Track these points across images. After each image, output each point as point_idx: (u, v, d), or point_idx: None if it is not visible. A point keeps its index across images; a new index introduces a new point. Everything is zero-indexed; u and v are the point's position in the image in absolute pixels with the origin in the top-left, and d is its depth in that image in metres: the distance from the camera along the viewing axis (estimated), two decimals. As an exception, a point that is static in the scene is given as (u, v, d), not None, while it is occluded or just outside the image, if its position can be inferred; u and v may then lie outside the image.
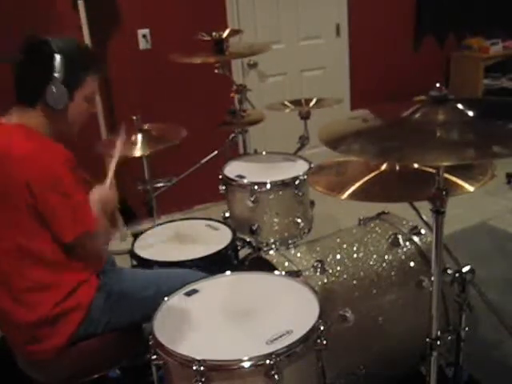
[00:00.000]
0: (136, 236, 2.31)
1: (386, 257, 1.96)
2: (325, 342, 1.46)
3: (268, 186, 2.35)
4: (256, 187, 2.35)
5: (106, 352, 1.75)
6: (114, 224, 1.72)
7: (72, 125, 1.70)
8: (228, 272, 1.80)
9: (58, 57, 1.58)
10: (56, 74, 1.58)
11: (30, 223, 1.58)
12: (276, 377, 1.35)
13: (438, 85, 1.39)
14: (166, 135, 2.55)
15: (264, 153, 2.77)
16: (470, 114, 1.37)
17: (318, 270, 1.86)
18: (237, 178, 2.43)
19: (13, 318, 1.65)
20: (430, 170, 1.48)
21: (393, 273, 1.94)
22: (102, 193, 1.67)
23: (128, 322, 1.76)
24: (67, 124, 1.69)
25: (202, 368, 1.36)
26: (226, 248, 2.13)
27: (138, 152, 2.41)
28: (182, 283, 1.72)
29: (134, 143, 2.46)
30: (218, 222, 2.38)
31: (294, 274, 1.83)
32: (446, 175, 1.43)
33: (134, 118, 2.48)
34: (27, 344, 1.66)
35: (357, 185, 1.60)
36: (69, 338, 1.66)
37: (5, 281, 1.64)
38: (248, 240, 2.44)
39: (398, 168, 1.66)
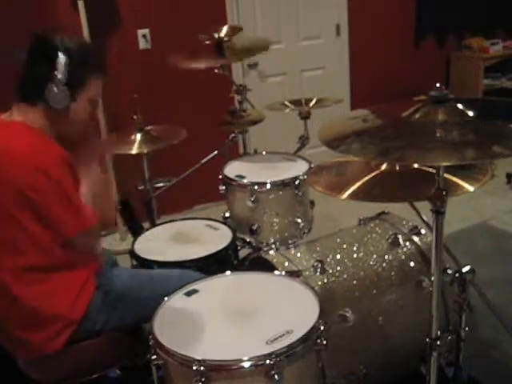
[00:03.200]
0: (136, 236, 2.31)
1: (386, 257, 1.96)
2: (325, 342, 1.46)
3: (268, 186, 2.35)
4: (256, 187, 2.35)
5: (105, 352, 1.75)
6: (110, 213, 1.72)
7: (72, 126, 1.68)
8: (228, 272, 1.80)
9: (61, 55, 1.55)
10: (58, 74, 1.55)
11: (30, 225, 1.57)
12: (276, 377, 1.35)
13: (438, 85, 1.39)
14: (166, 135, 2.56)
15: (264, 153, 2.77)
16: (470, 113, 1.37)
17: (318, 269, 1.86)
18: (237, 178, 2.43)
19: (14, 321, 1.65)
20: (430, 170, 1.48)
21: (393, 273, 1.94)
22: (93, 176, 1.70)
23: (126, 322, 1.76)
24: (68, 125, 1.67)
25: (201, 368, 1.36)
26: (226, 248, 2.13)
27: (136, 150, 2.42)
28: (180, 284, 1.72)
29: (134, 142, 2.47)
30: (218, 222, 2.37)
31: (293, 273, 1.83)
32: (446, 175, 1.43)
33: (135, 117, 2.49)
34: (31, 342, 1.65)
35: (357, 185, 1.61)
36: (68, 337, 1.66)
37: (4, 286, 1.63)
38: (248, 240, 2.44)
39: (398, 168, 1.67)
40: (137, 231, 2.43)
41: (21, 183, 1.53)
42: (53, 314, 1.63)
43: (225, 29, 2.66)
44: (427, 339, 1.51)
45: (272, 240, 2.41)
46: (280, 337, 1.43)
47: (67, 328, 1.65)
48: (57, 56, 1.55)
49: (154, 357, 1.46)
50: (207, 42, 2.63)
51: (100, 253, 1.82)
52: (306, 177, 2.38)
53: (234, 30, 2.77)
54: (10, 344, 1.72)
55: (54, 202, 1.56)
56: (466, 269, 1.60)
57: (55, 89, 1.56)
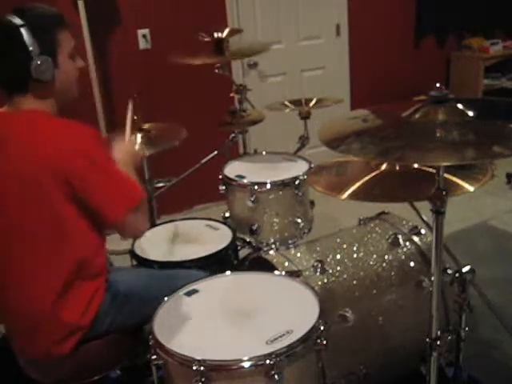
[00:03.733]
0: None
1: (386, 257, 1.96)
2: (325, 342, 1.46)
3: (268, 186, 2.35)
4: (256, 187, 2.35)
5: (106, 353, 1.75)
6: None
7: (69, 90, 1.65)
8: (228, 272, 1.80)
9: (23, 30, 1.50)
10: (31, 47, 1.51)
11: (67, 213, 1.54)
12: (276, 377, 1.35)
13: (438, 85, 1.39)
14: (166, 135, 2.55)
15: (264, 153, 2.77)
16: (470, 113, 1.37)
17: (318, 269, 1.86)
18: (237, 178, 2.43)
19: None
20: (430, 170, 1.48)
21: (393, 273, 1.94)
22: (123, 149, 1.69)
23: (131, 323, 1.76)
24: (65, 89, 1.63)
25: (202, 368, 1.36)
26: (226, 248, 2.13)
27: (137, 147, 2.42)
28: (184, 283, 1.72)
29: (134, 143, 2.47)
30: (218, 222, 2.37)
31: (293, 273, 1.83)
32: (446, 175, 1.43)
33: (135, 117, 2.48)
34: (39, 345, 1.64)
35: (357, 185, 1.61)
36: (76, 342, 1.64)
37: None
38: (248, 240, 2.44)
39: (398, 168, 1.67)
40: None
41: (61, 170, 1.49)
42: (64, 321, 1.61)
43: (226, 31, 2.66)
44: (427, 339, 1.52)
45: (272, 240, 2.41)
46: (280, 337, 1.43)
47: (76, 333, 1.64)
48: (20, 34, 1.50)
49: (154, 357, 1.46)
50: (206, 40, 2.62)
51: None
52: (305, 177, 2.38)
53: (235, 32, 2.77)
54: (17, 341, 1.71)
55: (98, 185, 1.53)
56: (465, 269, 1.60)
57: (38, 62, 1.52)
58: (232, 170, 2.54)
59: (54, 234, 1.56)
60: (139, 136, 2.47)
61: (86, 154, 1.52)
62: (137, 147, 1.76)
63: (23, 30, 1.50)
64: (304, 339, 1.42)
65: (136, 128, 2.46)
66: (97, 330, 1.68)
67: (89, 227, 1.59)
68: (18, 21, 1.51)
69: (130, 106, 1.96)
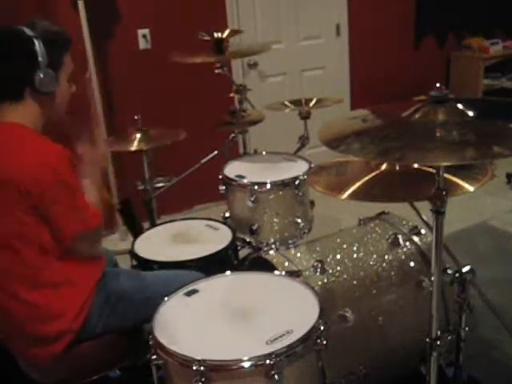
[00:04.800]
0: (136, 236, 2.31)
1: (386, 257, 1.96)
2: (325, 342, 1.46)
3: (268, 186, 2.35)
4: (256, 187, 2.35)
5: (106, 353, 1.75)
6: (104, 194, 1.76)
7: (59, 108, 1.70)
8: (228, 272, 1.80)
9: (37, 42, 1.56)
10: (40, 59, 1.56)
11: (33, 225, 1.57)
12: (276, 377, 1.35)
13: (438, 85, 1.39)
14: (166, 135, 2.56)
15: (264, 153, 2.77)
16: (470, 113, 1.37)
17: (318, 269, 1.86)
18: (237, 178, 2.43)
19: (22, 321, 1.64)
20: (430, 169, 1.48)
21: (393, 273, 1.94)
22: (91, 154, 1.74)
23: (126, 323, 1.76)
24: (56, 109, 1.68)
25: (201, 368, 1.36)
26: (226, 248, 2.13)
27: (135, 147, 2.42)
28: (181, 285, 1.72)
29: (133, 141, 2.48)
30: (218, 222, 2.38)
31: (293, 273, 1.83)
32: (446, 175, 1.43)
33: (136, 117, 2.49)
34: (30, 347, 1.65)
35: (357, 185, 1.60)
36: (68, 343, 1.65)
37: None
38: (248, 240, 2.44)
39: (398, 168, 1.66)
40: (137, 231, 2.44)
41: (25, 180, 1.52)
42: (55, 329, 1.63)
43: (226, 32, 2.66)
44: (427, 339, 1.51)
45: (272, 240, 2.41)
46: (280, 337, 1.43)
47: (67, 336, 1.64)
48: (33, 44, 1.55)
49: (154, 357, 1.46)
50: (206, 39, 2.62)
51: (104, 255, 1.82)
52: (306, 177, 2.38)
53: (235, 33, 2.77)
54: (13, 344, 1.72)
55: (58, 200, 1.55)
56: (465, 269, 1.60)
57: (42, 75, 1.56)
58: (232, 170, 2.54)
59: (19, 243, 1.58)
60: (139, 135, 2.48)
61: (50, 169, 1.54)
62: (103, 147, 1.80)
63: (36, 41, 1.56)
64: (304, 339, 1.42)
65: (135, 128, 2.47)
66: (91, 331, 1.69)
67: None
68: (30, 32, 1.57)
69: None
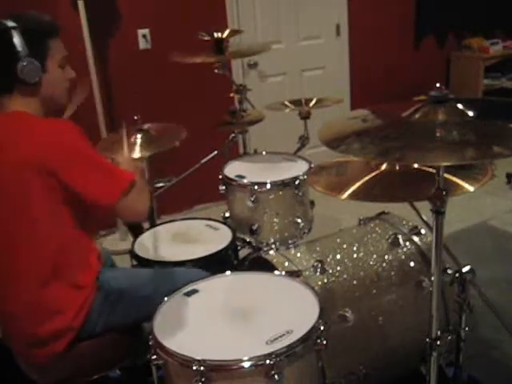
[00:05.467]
0: (136, 236, 2.31)
1: (386, 257, 1.96)
2: (325, 342, 1.46)
3: (268, 186, 2.35)
4: (256, 187, 2.35)
5: (106, 352, 1.75)
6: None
7: (54, 96, 1.67)
8: (228, 272, 1.80)
9: (14, 32, 1.55)
10: (19, 49, 1.55)
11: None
12: (276, 377, 1.35)
13: (438, 85, 1.39)
14: (166, 135, 2.55)
15: (264, 153, 2.77)
16: (470, 113, 1.37)
17: (318, 269, 1.86)
18: (237, 178, 2.43)
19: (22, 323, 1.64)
20: (430, 169, 1.48)
21: (393, 273, 1.94)
22: (124, 159, 1.73)
23: (126, 321, 1.76)
24: (50, 97, 1.66)
25: (202, 368, 1.36)
26: (225, 248, 2.13)
27: (138, 154, 2.41)
28: (181, 282, 1.72)
29: (134, 144, 2.47)
30: (218, 222, 2.38)
31: (293, 273, 1.83)
32: (446, 175, 1.43)
33: (136, 117, 2.48)
34: (31, 348, 1.65)
35: (357, 185, 1.61)
36: (69, 341, 1.65)
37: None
38: (248, 240, 2.44)
39: (398, 168, 1.66)
40: (137, 231, 2.43)
41: (45, 164, 1.51)
42: (56, 327, 1.63)
43: (226, 32, 2.66)
44: (427, 339, 1.51)
45: (272, 240, 2.41)
46: (280, 337, 1.43)
47: (68, 334, 1.64)
48: (11, 35, 1.55)
49: (154, 357, 1.46)
50: (206, 39, 2.62)
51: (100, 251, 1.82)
52: (306, 177, 2.38)
53: (235, 33, 2.77)
54: (13, 344, 1.72)
55: (85, 173, 1.55)
56: (465, 269, 1.60)
57: (24, 64, 1.55)
58: (232, 170, 2.54)
59: (30, 234, 1.58)
60: (139, 137, 2.48)
61: (70, 145, 1.54)
62: (136, 162, 1.80)
63: (14, 32, 1.55)
64: (304, 339, 1.42)
65: (136, 128, 2.46)
66: (91, 330, 1.69)
67: (67, 224, 1.61)
68: (10, 23, 1.56)
69: (124, 133, 1.97)
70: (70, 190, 1.54)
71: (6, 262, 1.62)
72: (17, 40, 1.55)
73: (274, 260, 1.93)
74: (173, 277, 1.82)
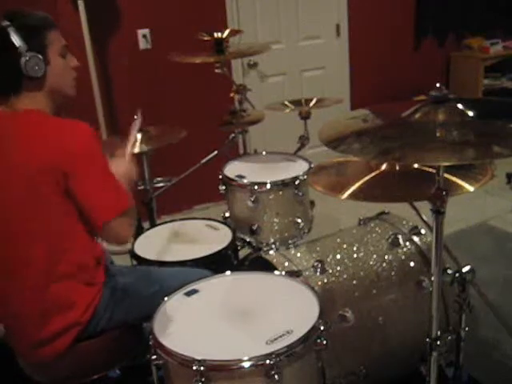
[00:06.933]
0: (136, 236, 2.31)
1: (386, 257, 1.96)
2: (325, 342, 1.46)
3: (268, 186, 2.35)
4: (256, 187, 2.35)
5: (106, 352, 1.75)
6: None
7: (62, 87, 1.67)
8: (228, 272, 1.80)
9: (11, 30, 1.55)
10: (18, 45, 1.55)
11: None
12: (276, 377, 1.35)
13: (438, 85, 1.39)
14: (166, 135, 2.56)
15: (264, 153, 2.77)
16: (470, 114, 1.37)
17: (318, 269, 1.86)
18: (237, 178, 2.43)
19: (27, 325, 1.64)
20: (430, 170, 1.48)
21: (393, 273, 1.94)
22: (122, 165, 1.70)
23: (130, 318, 1.76)
24: (58, 89, 1.65)
25: (202, 368, 1.36)
26: (226, 248, 2.13)
27: (137, 149, 2.42)
28: (188, 281, 1.73)
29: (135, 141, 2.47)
30: (218, 222, 2.38)
31: (293, 273, 1.83)
32: (446, 175, 1.43)
33: (136, 117, 2.48)
34: (35, 347, 1.65)
35: (357, 185, 1.60)
36: (72, 339, 1.65)
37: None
38: (248, 240, 2.44)
39: (398, 168, 1.66)
40: (137, 231, 2.43)
41: (59, 168, 1.51)
42: (65, 322, 1.63)
43: (226, 32, 2.66)
44: (427, 339, 1.51)
45: (272, 240, 2.41)
46: (280, 337, 1.43)
47: (74, 328, 1.64)
48: (7, 33, 1.55)
49: (154, 357, 1.47)
50: (206, 39, 2.62)
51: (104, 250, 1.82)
52: (306, 177, 2.38)
53: (235, 33, 2.77)
54: (16, 344, 1.72)
55: (93, 185, 1.56)
56: (466, 269, 1.60)
57: (26, 58, 1.55)
58: (232, 170, 2.54)
59: (47, 232, 1.58)
60: (139, 135, 2.48)
61: (84, 154, 1.54)
62: (132, 165, 1.80)
63: (10, 30, 1.55)
64: (304, 339, 1.42)
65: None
66: (95, 325, 1.69)
67: (77, 226, 1.61)
68: (5, 23, 1.56)
69: (138, 122, 1.96)
70: (71, 195, 1.55)
71: (14, 262, 1.61)
72: (14, 37, 1.55)
73: (274, 260, 1.93)
74: (178, 275, 1.82)
